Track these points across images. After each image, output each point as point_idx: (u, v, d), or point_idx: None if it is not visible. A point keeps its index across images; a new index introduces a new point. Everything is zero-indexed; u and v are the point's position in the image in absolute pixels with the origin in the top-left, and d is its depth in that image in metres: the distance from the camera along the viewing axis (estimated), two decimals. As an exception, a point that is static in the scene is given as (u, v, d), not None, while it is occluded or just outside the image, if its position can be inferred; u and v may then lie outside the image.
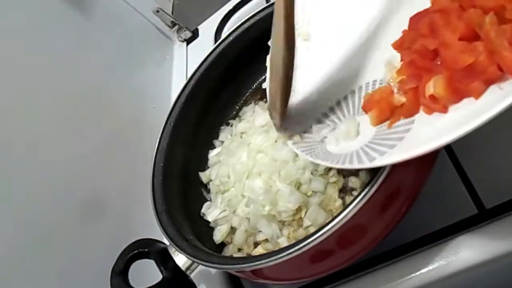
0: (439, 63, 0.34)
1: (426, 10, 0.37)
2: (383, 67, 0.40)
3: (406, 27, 0.39)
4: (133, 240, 0.48)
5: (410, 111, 0.35)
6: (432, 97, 0.33)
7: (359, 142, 0.38)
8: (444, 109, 0.32)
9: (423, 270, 0.41)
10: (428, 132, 0.32)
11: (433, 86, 0.32)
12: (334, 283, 0.46)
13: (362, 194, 0.35)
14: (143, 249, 0.47)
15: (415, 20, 0.38)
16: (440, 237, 0.42)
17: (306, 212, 0.44)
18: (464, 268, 0.40)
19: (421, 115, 0.34)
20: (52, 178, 0.53)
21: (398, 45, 0.40)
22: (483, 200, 0.42)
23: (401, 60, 0.39)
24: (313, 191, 0.45)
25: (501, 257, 0.39)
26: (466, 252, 0.40)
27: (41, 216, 0.49)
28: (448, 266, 0.40)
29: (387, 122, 0.37)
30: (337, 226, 0.35)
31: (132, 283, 0.45)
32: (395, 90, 0.37)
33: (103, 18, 0.73)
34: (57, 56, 0.61)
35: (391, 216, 0.41)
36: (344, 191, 0.45)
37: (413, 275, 0.41)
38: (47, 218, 0.50)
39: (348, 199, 0.44)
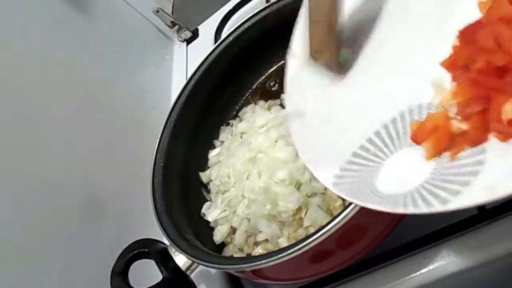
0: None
1: (478, 21, 0.33)
2: (428, 90, 0.35)
3: (446, 41, 0.34)
4: (133, 240, 0.48)
5: (476, 139, 0.30)
6: (511, 121, 0.28)
7: (415, 178, 0.32)
8: None
9: (423, 270, 0.41)
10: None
11: None
12: (334, 283, 0.46)
13: (362, 194, 0.35)
14: (143, 249, 0.47)
15: (468, 33, 0.33)
16: (440, 237, 0.42)
17: (306, 212, 0.44)
18: (464, 268, 0.40)
19: (493, 143, 0.30)
20: (52, 178, 0.53)
21: (450, 64, 0.34)
22: (483, 200, 0.42)
23: (453, 80, 0.33)
24: (313, 191, 0.45)
25: (501, 257, 0.39)
26: (466, 252, 0.40)
27: (41, 216, 0.49)
28: (448, 266, 0.40)
29: (447, 154, 0.32)
30: (337, 227, 0.35)
31: (132, 283, 0.45)
32: (451, 115, 0.32)
33: (103, 18, 0.73)
34: (57, 56, 0.61)
35: (391, 216, 0.41)
36: (344, 191, 0.45)
37: (413, 275, 0.41)
38: (47, 218, 0.50)
39: (348, 199, 0.44)
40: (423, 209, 0.29)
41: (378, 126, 0.38)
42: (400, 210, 0.30)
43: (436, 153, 0.32)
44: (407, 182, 0.32)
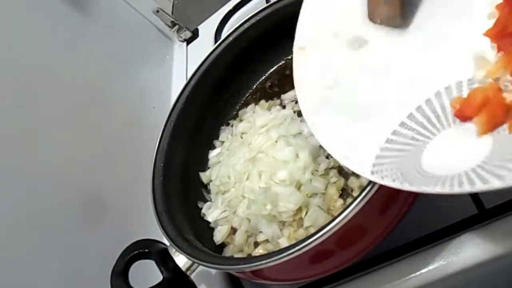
0: None
1: None
2: (468, 64, 0.33)
3: (478, 15, 0.33)
4: (134, 241, 0.48)
5: None
6: None
7: (472, 156, 0.30)
8: None
9: (423, 270, 0.41)
10: None
11: None
12: (334, 283, 0.46)
13: (363, 194, 0.35)
14: (143, 249, 0.47)
15: None
16: (440, 237, 0.42)
17: (306, 213, 0.44)
18: (464, 268, 0.40)
19: None
20: (52, 178, 0.53)
21: (496, 33, 0.32)
22: (483, 200, 0.42)
23: (499, 50, 0.32)
24: (313, 192, 0.45)
25: (501, 257, 0.39)
26: (466, 252, 0.40)
27: (41, 216, 0.49)
28: (448, 266, 0.40)
29: (504, 127, 0.30)
30: (337, 227, 0.35)
31: (132, 283, 0.45)
32: (502, 87, 0.31)
33: (103, 18, 0.73)
34: (57, 56, 0.61)
35: (392, 216, 0.41)
36: (344, 191, 0.45)
37: (413, 275, 0.41)
38: (47, 219, 0.50)
39: (349, 199, 0.44)
40: (496, 184, 0.26)
41: (411, 109, 0.36)
42: (466, 189, 0.28)
43: (491, 127, 0.30)
44: (462, 161, 0.30)
